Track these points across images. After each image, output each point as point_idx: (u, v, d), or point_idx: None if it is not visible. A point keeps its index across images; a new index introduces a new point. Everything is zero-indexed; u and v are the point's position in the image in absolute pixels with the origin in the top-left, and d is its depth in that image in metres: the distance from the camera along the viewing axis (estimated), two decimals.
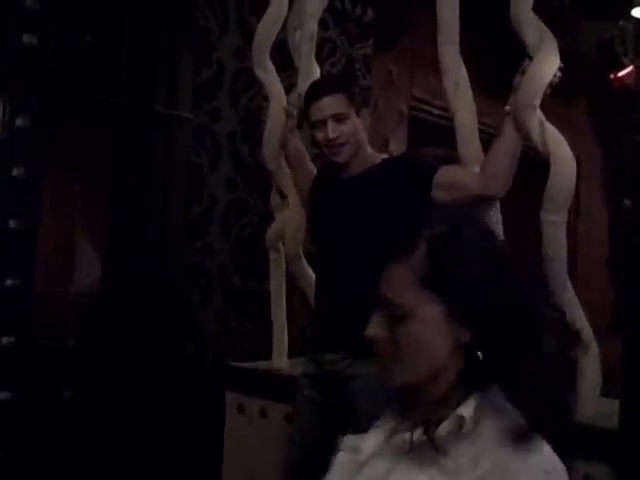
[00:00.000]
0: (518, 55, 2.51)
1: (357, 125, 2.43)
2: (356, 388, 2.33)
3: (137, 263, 3.35)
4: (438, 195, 2.35)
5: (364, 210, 2.38)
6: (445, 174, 2.37)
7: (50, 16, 2.83)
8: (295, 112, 2.89)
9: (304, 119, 2.56)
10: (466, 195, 2.39)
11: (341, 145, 2.41)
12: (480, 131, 2.65)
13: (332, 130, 2.38)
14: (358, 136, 2.43)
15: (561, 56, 2.49)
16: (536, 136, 2.50)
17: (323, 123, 2.40)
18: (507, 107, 2.39)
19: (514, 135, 2.38)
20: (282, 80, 3.28)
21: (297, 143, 2.94)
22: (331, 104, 2.39)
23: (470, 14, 2.74)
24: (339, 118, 2.39)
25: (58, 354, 3.15)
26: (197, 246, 3.66)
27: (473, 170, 2.47)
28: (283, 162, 3.12)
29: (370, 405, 2.28)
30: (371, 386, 2.30)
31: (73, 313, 3.17)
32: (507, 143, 2.37)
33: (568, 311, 2.54)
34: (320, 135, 2.42)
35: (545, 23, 2.54)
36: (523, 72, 2.39)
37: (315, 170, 2.85)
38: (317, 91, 2.47)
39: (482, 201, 2.49)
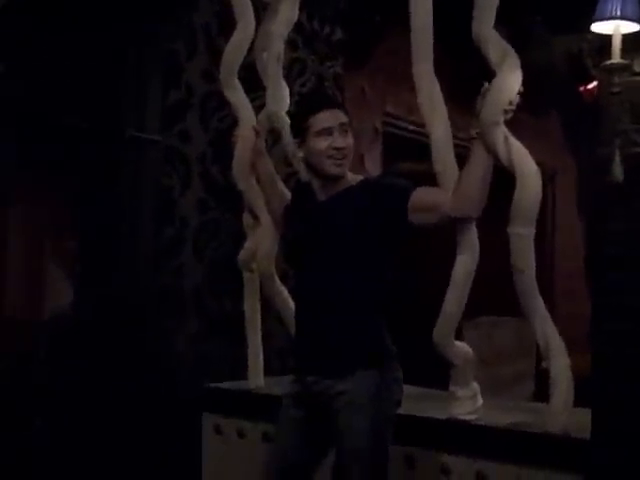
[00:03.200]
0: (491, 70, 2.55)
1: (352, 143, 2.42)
2: (339, 406, 2.33)
3: (109, 286, 3.33)
4: (413, 218, 2.36)
5: (341, 232, 2.38)
6: (420, 197, 2.37)
7: (15, 40, 2.83)
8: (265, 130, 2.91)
9: (300, 130, 2.44)
10: (441, 218, 2.41)
11: (344, 157, 2.39)
12: (455, 145, 2.67)
13: (342, 139, 2.37)
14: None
15: (533, 69, 2.51)
16: (501, 151, 2.52)
17: (329, 132, 2.36)
18: (473, 131, 2.42)
19: (484, 157, 2.41)
20: (251, 101, 3.30)
21: (267, 164, 2.95)
22: (338, 115, 2.39)
23: (443, 30, 2.76)
24: (344, 129, 2.39)
25: (28, 381, 3.12)
26: (169, 268, 3.65)
27: (447, 191, 2.47)
28: (254, 182, 3.12)
29: (353, 420, 2.30)
30: (354, 402, 2.30)
31: (44, 339, 3.15)
32: (478, 166, 2.39)
33: (538, 323, 2.57)
34: (324, 143, 2.36)
35: (515, 37, 2.57)
36: (484, 95, 2.43)
37: (286, 192, 2.86)
38: (324, 101, 2.49)
39: (457, 223, 2.52)
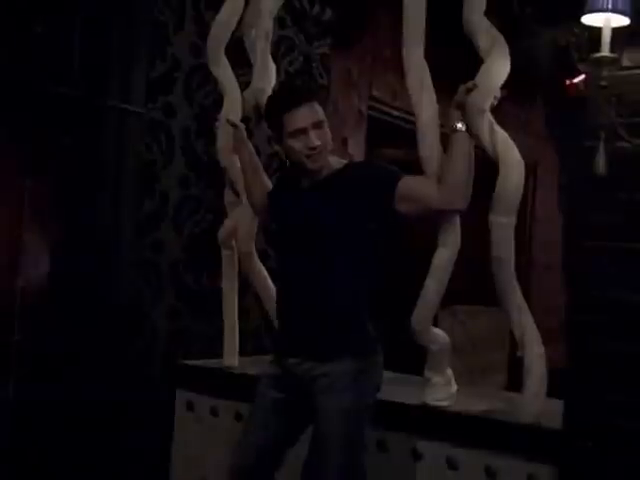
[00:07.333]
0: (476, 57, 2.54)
1: (329, 131, 2.39)
2: (319, 388, 2.33)
3: (87, 258, 3.30)
4: (400, 207, 2.35)
5: (327, 216, 2.37)
6: (408, 186, 2.36)
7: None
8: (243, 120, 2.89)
9: (275, 127, 2.41)
10: (428, 209, 2.41)
11: (320, 152, 2.35)
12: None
13: (316, 138, 2.32)
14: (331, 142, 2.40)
15: (520, 61, 2.51)
16: (486, 139, 2.52)
17: (303, 132, 2.32)
18: (457, 124, 2.40)
19: (468, 148, 2.40)
20: (237, 77, 3.27)
21: (249, 153, 2.91)
22: (310, 112, 2.33)
23: (428, 18, 2.74)
24: (319, 125, 2.34)
25: (3, 349, 3.10)
26: (148, 242, 3.62)
27: (434, 183, 2.45)
28: (237, 160, 3.10)
29: (333, 403, 2.30)
30: (335, 385, 2.31)
31: (20, 308, 3.12)
32: (462, 157, 2.39)
33: (515, 313, 2.58)
34: (299, 144, 2.33)
35: (503, 29, 2.57)
36: (467, 90, 2.42)
37: (267, 181, 2.86)
38: (294, 100, 2.37)
39: (444, 214, 2.52)
